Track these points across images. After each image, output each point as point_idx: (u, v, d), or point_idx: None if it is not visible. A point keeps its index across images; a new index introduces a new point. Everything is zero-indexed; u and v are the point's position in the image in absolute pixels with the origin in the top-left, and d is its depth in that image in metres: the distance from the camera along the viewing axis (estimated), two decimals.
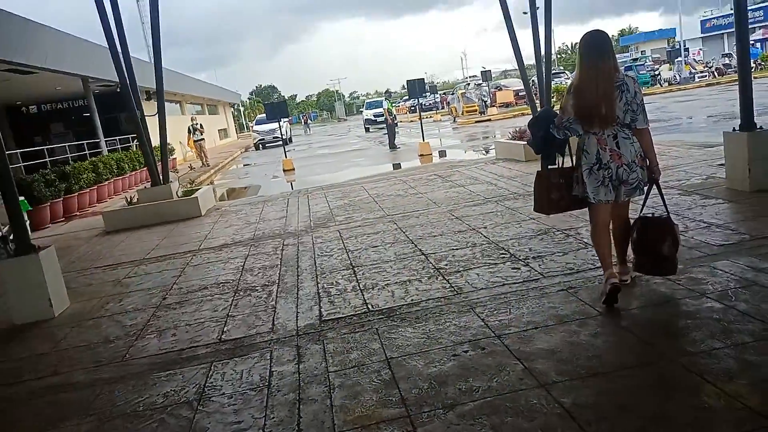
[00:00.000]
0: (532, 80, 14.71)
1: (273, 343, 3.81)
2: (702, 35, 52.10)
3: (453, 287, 4.36)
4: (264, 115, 25.39)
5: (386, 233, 6.43)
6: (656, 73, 32.15)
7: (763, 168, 5.90)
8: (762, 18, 46.44)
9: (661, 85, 30.76)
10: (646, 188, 3.69)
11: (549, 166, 3.96)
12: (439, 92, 58.11)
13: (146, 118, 10.57)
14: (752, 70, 26.90)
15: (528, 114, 25.11)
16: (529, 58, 11.79)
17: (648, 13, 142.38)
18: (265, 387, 3.22)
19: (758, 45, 38.74)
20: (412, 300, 4.23)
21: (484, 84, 30.88)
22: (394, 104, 37.57)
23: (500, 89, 36.08)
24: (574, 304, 3.73)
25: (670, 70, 33.19)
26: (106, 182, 14.42)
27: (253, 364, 3.55)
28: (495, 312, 3.79)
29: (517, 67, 14.00)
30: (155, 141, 10.75)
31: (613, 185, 3.54)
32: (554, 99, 27.75)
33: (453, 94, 36.53)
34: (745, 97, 5.99)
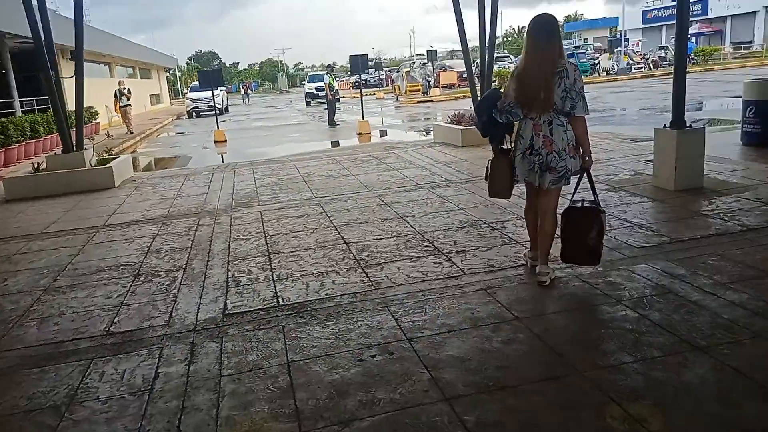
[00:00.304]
0: (476, 62, 14.60)
1: (165, 339, 3.46)
2: (643, 26, 53.79)
3: (371, 281, 4.13)
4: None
5: (311, 217, 6.13)
6: (596, 62, 32.90)
7: (689, 167, 5.96)
8: (700, 12, 48.28)
9: (599, 75, 31.50)
10: (575, 178, 3.75)
11: (498, 153, 3.94)
12: (385, 69, 57.55)
13: (67, 79, 9.68)
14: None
15: (470, 97, 25.15)
16: (475, 39, 11.61)
17: (593, 1, 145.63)
18: (146, 391, 2.89)
19: (693, 39, 40.26)
20: (326, 294, 3.97)
21: (428, 64, 30.67)
22: (337, 79, 36.90)
23: (445, 70, 35.99)
24: (490, 306, 3.57)
25: (609, 59, 34.03)
26: (17, 145, 13.31)
27: (138, 362, 3.20)
28: (410, 311, 3.58)
29: (473, 46, 13.88)
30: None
31: (541, 170, 3.60)
32: (495, 83, 28.00)
33: (398, 72, 36.12)
34: (678, 95, 6.00)
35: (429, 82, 30.65)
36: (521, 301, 3.63)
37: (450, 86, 33.57)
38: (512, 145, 3.83)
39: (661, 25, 52.72)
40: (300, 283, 4.21)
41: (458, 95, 28.11)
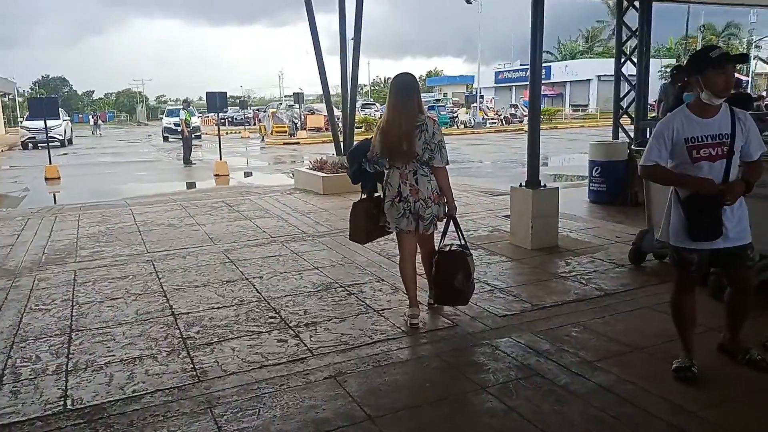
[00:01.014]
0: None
1: None
2: (495, 85, 58.34)
3: (196, 370, 3.35)
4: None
5: (136, 279, 5.17)
6: (455, 115, 34.68)
7: (544, 226, 5.92)
8: (544, 76, 53.29)
9: (458, 127, 33.19)
10: (443, 223, 3.95)
11: (364, 197, 4.13)
12: (252, 108, 56.49)
13: None
14: (522, 122, 29.79)
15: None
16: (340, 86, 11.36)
17: (454, 59, 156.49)
18: None
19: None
20: (133, 391, 3.12)
21: (296, 106, 30.30)
22: (199, 114, 35.22)
23: (313, 113, 35.82)
24: (339, 402, 2.97)
25: (467, 113, 36.08)
26: None
27: None
28: (239, 414, 2.87)
29: (336, 92, 13.66)
30: None
31: (413, 217, 3.79)
32: (362, 129, 28.37)
33: (265, 111, 35.35)
34: (533, 155, 5.99)
35: (296, 124, 30.22)
36: (376, 392, 3.07)
37: (317, 129, 33.39)
38: (382, 193, 3.98)
39: (511, 85, 57.67)
40: (102, 375, 3.30)
41: (325, 139, 27.92)
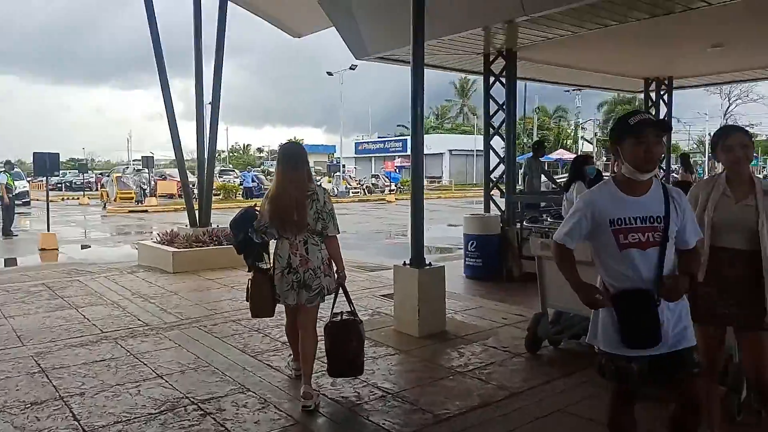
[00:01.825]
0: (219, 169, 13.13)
1: None
2: (356, 155, 59.72)
3: None
4: None
5: None
6: (319, 184, 34.29)
7: (432, 310, 5.34)
8: (401, 149, 55.96)
9: None
10: (331, 295, 3.84)
11: (259, 265, 3.95)
12: (95, 172, 51.98)
13: None
14: (393, 192, 30.37)
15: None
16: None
17: (314, 129, 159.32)
18: None
19: (398, 171, 45.83)
20: None
21: (145, 170, 28.03)
22: (31, 179, 31.35)
23: (165, 178, 33.53)
24: None
25: (329, 182, 36.01)
26: None
27: None
28: None
29: (192, 158, 12.44)
30: None
31: (298, 287, 3.68)
32: (220, 196, 26.84)
33: (108, 176, 32.29)
34: (417, 230, 5.46)
35: (144, 190, 27.83)
36: None
37: (170, 196, 31.12)
38: (271, 264, 3.87)
39: (371, 156, 59.49)
40: None
41: (178, 207, 25.91)
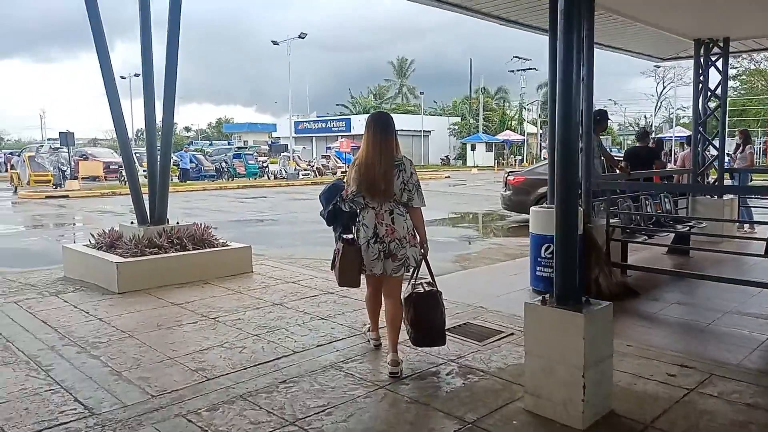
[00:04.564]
0: (137, 153, 10.33)
1: None
2: (296, 135, 56.56)
3: None
4: None
5: None
6: (265, 165, 31.44)
7: (598, 378, 3.18)
8: (344, 128, 53.39)
9: (269, 178, 29.99)
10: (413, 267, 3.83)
11: (346, 236, 3.92)
12: (4, 151, 46.43)
13: None
14: (345, 173, 28.29)
15: (122, 193, 20.21)
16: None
17: (244, 108, 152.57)
18: None
19: (352, 152, 43.34)
20: None
21: (63, 149, 24.17)
22: None
23: (86, 158, 29.59)
24: None
25: (275, 163, 33.10)
26: None
27: None
28: None
29: (111, 137, 9.82)
30: None
31: (384, 257, 3.71)
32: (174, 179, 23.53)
33: (20, 155, 27.97)
34: (566, 255, 3.26)
35: (63, 172, 24.03)
36: None
37: (94, 178, 27.35)
38: (355, 234, 3.84)
39: (311, 136, 56.54)
40: None
41: (106, 191, 22.47)
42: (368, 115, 3.87)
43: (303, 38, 33.10)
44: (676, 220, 7.96)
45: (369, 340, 4.35)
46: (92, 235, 7.12)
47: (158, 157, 7.08)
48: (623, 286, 6.00)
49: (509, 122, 57.04)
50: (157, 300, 5.72)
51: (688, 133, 35.76)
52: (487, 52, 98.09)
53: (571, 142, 3.31)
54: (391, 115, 3.92)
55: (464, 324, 4.92)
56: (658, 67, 51.99)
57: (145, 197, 7.17)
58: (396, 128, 3.82)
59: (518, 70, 55.30)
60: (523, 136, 53.38)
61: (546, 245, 5.84)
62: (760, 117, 32.30)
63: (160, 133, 7.29)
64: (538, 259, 5.94)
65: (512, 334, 4.64)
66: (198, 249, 6.75)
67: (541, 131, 55.29)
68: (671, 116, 53.44)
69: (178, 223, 7.19)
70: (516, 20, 7.30)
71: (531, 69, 55.58)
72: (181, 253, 6.57)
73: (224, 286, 6.27)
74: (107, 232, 7.06)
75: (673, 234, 7.90)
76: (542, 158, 45.39)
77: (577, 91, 3.34)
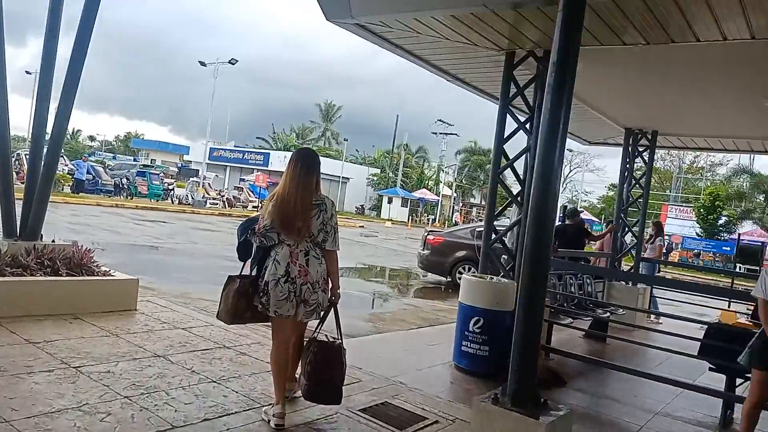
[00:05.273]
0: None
1: None
2: (209, 161, 54.35)
3: None
4: None
5: None
6: (171, 187, 29.55)
7: None
8: (261, 162, 52.09)
9: (173, 202, 28.14)
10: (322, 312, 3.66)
11: (242, 274, 3.72)
12: None
13: None
14: (256, 208, 26.70)
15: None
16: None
17: (158, 126, 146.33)
18: None
19: (267, 188, 41.93)
20: None
21: None
22: None
23: None
24: None
25: (182, 187, 31.29)
26: None
27: None
28: None
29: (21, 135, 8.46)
30: None
31: (297, 301, 3.51)
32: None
33: None
34: (524, 346, 2.75)
35: None
36: None
37: None
38: (263, 272, 3.59)
39: (226, 165, 54.63)
40: None
41: None
42: (294, 150, 3.73)
43: (233, 64, 32.10)
44: (596, 304, 7.82)
45: (269, 420, 3.59)
46: None
47: (42, 162, 5.98)
48: (550, 371, 5.59)
49: (426, 181, 58.21)
50: (9, 334, 4.58)
51: (591, 217, 38.16)
52: (413, 111, 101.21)
53: (547, 223, 2.83)
54: (316, 152, 3.84)
55: (382, 404, 4.24)
56: (571, 151, 55.59)
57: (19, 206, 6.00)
58: (320, 167, 3.71)
59: (440, 133, 57.09)
60: (438, 196, 54.46)
61: (475, 318, 5.34)
62: (654, 211, 35.00)
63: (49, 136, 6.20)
64: (465, 332, 5.41)
65: (436, 422, 4.02)
66: (73, 275, 5.64)
67: (455, 194, 56.83)
68: (575, 198, 56.95)
69: (54, 241, 6.04)
70: (470, 83, 7.07)
71: (452, 134, 57.67)
72: (51, 278, 5.44)
73: (98, 324, 5.20)
74: None
75: (591, 318, 7.72)
76: (453, 221, 46.47)
77: (559, 172, 2.91)
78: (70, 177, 25.23)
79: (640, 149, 9.34)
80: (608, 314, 7.54)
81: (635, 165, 9.49)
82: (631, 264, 9.72)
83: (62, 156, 36.87)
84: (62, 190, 24.03)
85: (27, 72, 44.33)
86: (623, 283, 8.91)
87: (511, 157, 5.96)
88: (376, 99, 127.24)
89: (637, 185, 9.46)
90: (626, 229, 9.45)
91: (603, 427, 4.64)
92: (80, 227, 14.29)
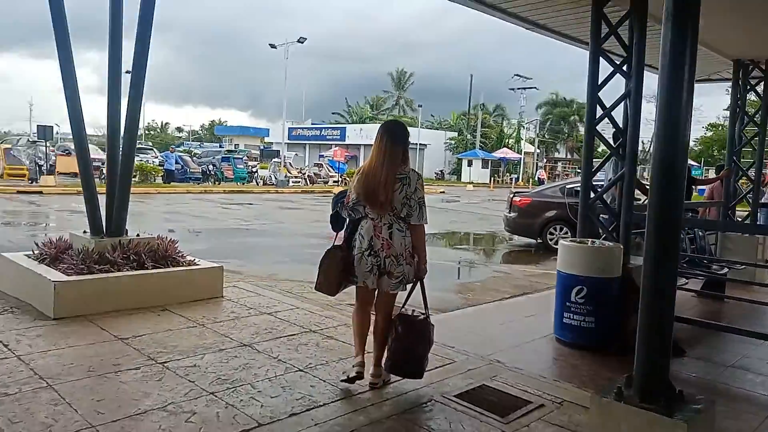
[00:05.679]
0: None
1: None
2: (289, 141, 55.50)
3: None
4: None
5: None
6: (254, 170, 30.34)
7: None
8: (338, 137, 52.43)
9: (258, 184, 28.88)
10: (409, 285, 3.66)
11: (337, 244, 3.76)
12: None
13: None
14: (337, 183, 26.84)
15: (100, 192, 18.85)
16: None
17: (239, 112, 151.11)
18: None
19: (346, 161, 42.28)
20: None
21: (41, 142, 22.94)
22: None
23: (69, 154, 28.30)
24: None
25: (264, 168, 32.02)
26: None
27: None
28: None
29: (100, 133, 8.75)
30: None
31: (379, 272, 3.56)
32: (136, 178, 22.35)
33: None
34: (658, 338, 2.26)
35: (40, 166, 22.81)
36: None
37: (75, 175, 26.08)
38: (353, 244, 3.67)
39: (305, 143, 55.48)
40: None
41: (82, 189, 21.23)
42: (379, 122, 3.47)
43: (302, 42, 32.12)
44: (711, 260, 7.01)
45: (348, 376, 3.71)
46: (36, 245, 6.02)
47: (120, 159, 6.03)
48: None
49: (506, 140, 56.31)
50: (99, 331, 4.63)
51: (690, 161, 35.21)
52: (488, 69, 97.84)
53: (677, 180, 2.31)
54: (405, 125, 3.75)
55: (480, 387, 3.89)
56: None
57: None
58: (408, 139, 3.67)
59: (518, 89, 54.72)
60: (520, 155, 52.59)
61: (578, 287, 4.83)
62: None
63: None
64: (567, 303, 4.92)
65: (542, 405, 3.64)
66: (158, 267, 5.67)
67: (538, 150, 54.64)
68: None
69: (138, 235, 6.11)
70: (552, 28, 6.39)
71: (532, 88, 55.08)
72: (138, 272, 5.49)
73: (185, 315, 5.19)
74: (54, 241, 5.97)
75: (705, 276, 6.93)
76: (536, 178, 44.70)
77: (688, 116, 2.36)
78: (161, 168, 26.41)
79: (753, 82, 8.22)
80: (727, 270, 6.73)
81: (747, 100, 8.40)
82: (748, 210, 8.69)
83: (153, 149, 38.87)
84: (154, 181, 25.23)
85: (127, 72, 46.66)
86: (739, 233, 7.96)
87: (606, 106, 5.30)
88: (447, 62, 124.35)
89: (751, 122, 8.35)
90: (740, 172, 8.42)
91: (737, 403, 4.05)
92: (172, 216, 14.83)
